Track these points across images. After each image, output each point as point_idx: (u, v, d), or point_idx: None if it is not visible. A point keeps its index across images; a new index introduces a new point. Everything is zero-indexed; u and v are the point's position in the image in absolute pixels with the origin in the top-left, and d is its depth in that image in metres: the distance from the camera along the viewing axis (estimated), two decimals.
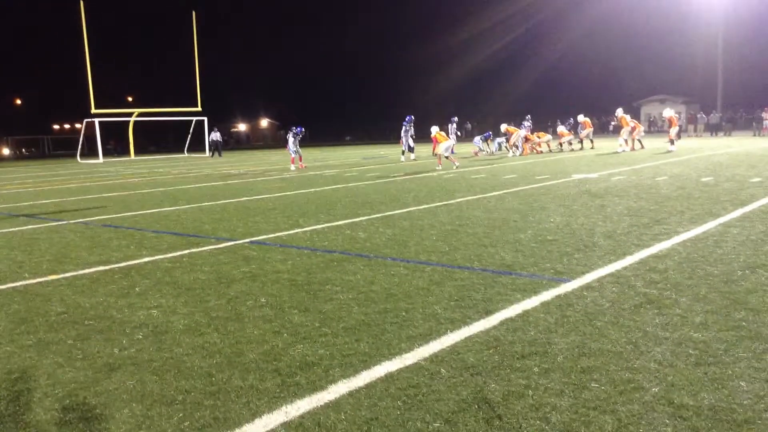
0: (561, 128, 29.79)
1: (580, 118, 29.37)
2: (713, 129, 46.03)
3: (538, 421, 2.73)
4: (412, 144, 25.62)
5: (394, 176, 17.20)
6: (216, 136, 42.46)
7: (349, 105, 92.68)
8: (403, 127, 25.71)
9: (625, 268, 5.33)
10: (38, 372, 3.57)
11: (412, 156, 25.45)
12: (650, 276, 5.04)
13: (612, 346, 3.57)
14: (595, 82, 71.27)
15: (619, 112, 26.13)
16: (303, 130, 22.69)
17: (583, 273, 5.24)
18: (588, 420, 2.73)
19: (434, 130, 19.87)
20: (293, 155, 22.46)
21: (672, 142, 23.95)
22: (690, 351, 3.46)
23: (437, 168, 19.24)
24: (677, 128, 25.03)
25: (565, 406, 2.87)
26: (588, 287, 4.80)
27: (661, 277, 5.01)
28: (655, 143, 29.62)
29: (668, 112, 24.83)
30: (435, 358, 3.50)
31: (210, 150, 42.90)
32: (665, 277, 4.98)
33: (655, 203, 9.25)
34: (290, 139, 22.27)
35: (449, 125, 29.32)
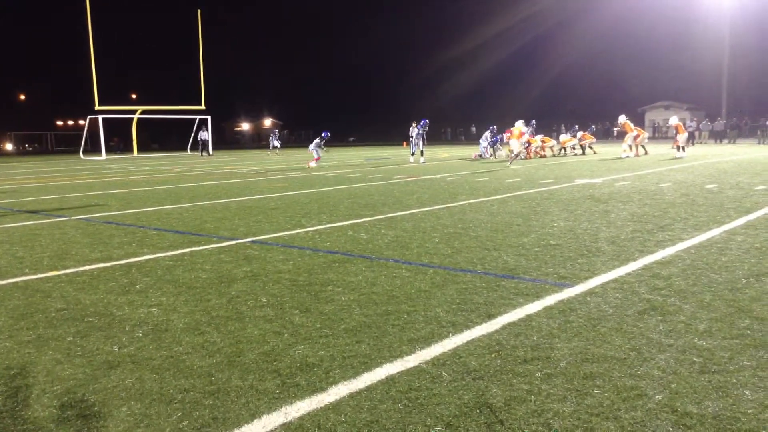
0: (563, 137, 29.92)
1: (578, 134, 29.65)
2: (718, 136, 45.99)
3: (540, 427, 2.70)
4: (422, 147, 25.77)
5: (397, 178, 17.18)
6: (204, 135, 43.48)
7: (353, 106, 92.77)
8: (417, 130, 25.79)
9: (628, 274, 5.30)
10: (37, 368, 3.55)
11: (422, 159, 25.52)
12: (654, 282, 5.01)
13: (615, 352, 3.54)
14: (600, 88, 71.31)
15: (622, 118, 26.17)
16: (329, 134, 25.36)
17: (587, 278, 5.21)
18: (590, 426, 2.70)
19: (518, 124, 22.18)
20: (315, 155, 24.14)
21: (679, 148, 23.94)
22: (694, 358, 3.42)
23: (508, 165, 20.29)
24: (686, 135, 25.04)
25: (567, 412, 2.84)
26: (591, 293, 4.77)
27: (665, 283, 4.97)
28: (660, 149, 29.56)
29: (674, 120, 24.86)
30: (436, 362, 3.47)
31: (201, 149, 43.80)
32: (669, 284, 4.95)
33: (659, 209, 9.22)
34: (316, 140, 24.49)
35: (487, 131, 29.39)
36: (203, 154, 43.38)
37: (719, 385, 3.08)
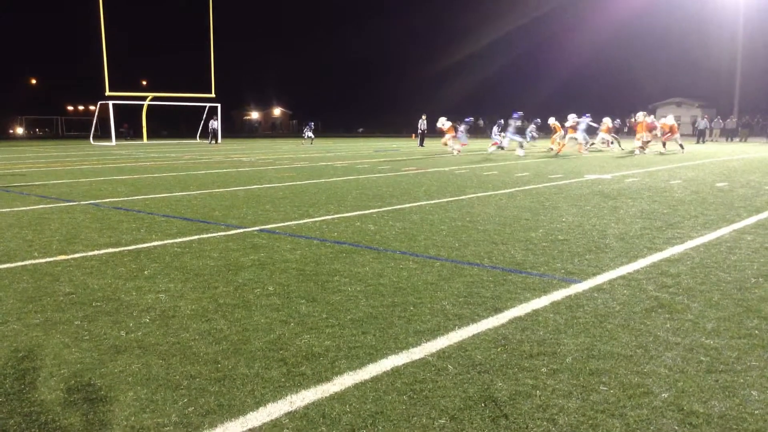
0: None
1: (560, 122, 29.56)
2: (729, 134, 45.66)
3: (544, 422, 2.70)
4: (520, 138, 25.39)
5: (406, 170, 17.15)
6: (214, 123, 44.26)
7: (363, 97, 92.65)
8: (513, 123, 25.03)
9: (636, 271, 5.28)
10: (44, 351, 3.57)
11: (521, 152, 25.18)
12: (662, 280, 4.99)
13: (622, 349, 3.53)
14: (612, 85, 70.90)
15: (640, 116, 26.22)
16: (521, 114, 25.04)
17: (594, 274, 5.19)
18: (596, 423, 2.69)
19: (640, 116, 25.34)
20: (498, 140, 24.89)
21: (664, 144, 26.11)
22: (701, 357, 3.41)
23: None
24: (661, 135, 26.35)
25: (572, 408, 2.83)
26: (599, 289, 4.76)
27: (673, 281, 4.95)
28: (668, 146, 29.37)
29: (671, 120, 25.61)
30: (442, 354, 3.47)
31: (210, 137, 44.44)
32: (677, 282, 4.92)
33: (668, 207, 9.17)
34: (495, 128, 25.03)
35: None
36: (212, 142, 43.80)
37: (726, 384, 3.07)
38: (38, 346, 3.65)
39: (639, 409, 2.81)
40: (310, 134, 43.35)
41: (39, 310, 4.33)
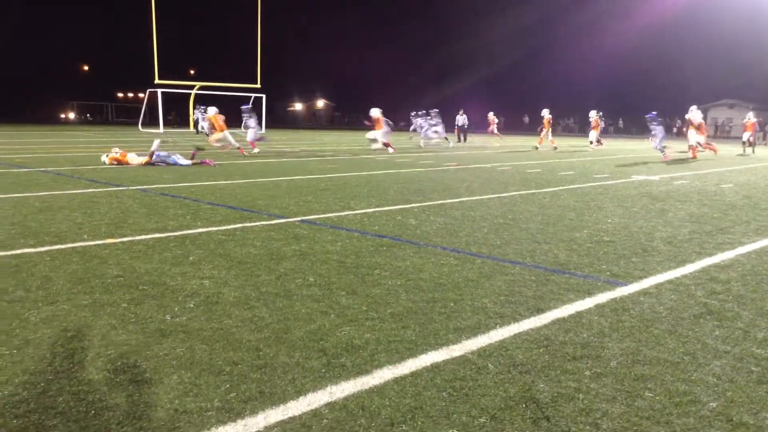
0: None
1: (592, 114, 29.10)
2: None
3: (587, 426, 2.65)
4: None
5: (447, 165, 17.06)
6: (197, 114, 44.35)
7: (403, 92, 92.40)
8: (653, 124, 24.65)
9: (685, 276, 5.14)
10: (92, 332, 3.66)
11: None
12: (711, 286, 4.85)
13: (669, 355, 3.44)
14: (662, 83, 69.17)
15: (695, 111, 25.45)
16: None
17: (641, 278, 5.07)
18: (640, 430, 2.63)
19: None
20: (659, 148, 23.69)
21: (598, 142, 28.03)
22: (752, 367, 3.30)
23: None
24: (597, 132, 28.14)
25: (616, 413, 2.77)
26: (645, 293, 4.65)
27: (723, 288, 4.81)
28: (725, 148, 28.55)
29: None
30: (483, 353, 3.44)
31: (196, 127, 44.18)
32: (727, 289, 4.78)
33: (719, 211, 8.90)
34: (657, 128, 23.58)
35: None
36: (198, 131, 43.71)
37: None
38: (86, 327, 3.74)
39: (686, 418, 2.74)
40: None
41: (88, 292, 4.44)
